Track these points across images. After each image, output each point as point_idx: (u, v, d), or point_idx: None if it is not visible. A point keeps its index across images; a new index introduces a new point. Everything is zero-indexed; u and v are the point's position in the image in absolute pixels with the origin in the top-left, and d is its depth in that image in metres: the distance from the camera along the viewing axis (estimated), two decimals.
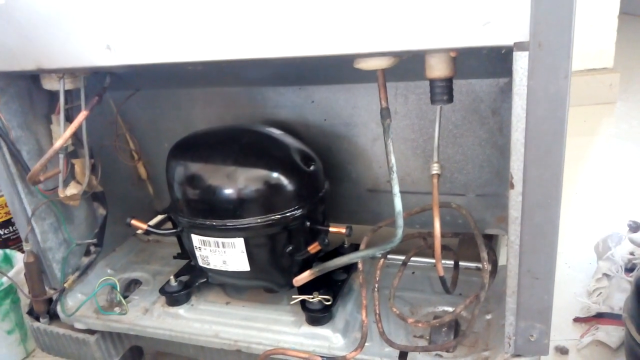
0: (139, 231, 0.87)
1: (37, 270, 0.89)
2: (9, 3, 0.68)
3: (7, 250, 1.13)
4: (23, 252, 0.89)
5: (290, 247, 0.80)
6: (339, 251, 0.92)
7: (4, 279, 0.97)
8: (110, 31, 0.65)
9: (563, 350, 0.93)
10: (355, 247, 0.92)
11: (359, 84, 0.89)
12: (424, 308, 0.83)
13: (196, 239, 0.81)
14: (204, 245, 0.80)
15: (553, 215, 0.57)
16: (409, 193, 0.91)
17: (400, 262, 0.80)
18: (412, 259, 0.82)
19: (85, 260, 0.95)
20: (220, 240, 0.79)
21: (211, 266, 0.82)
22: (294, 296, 0.81)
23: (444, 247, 0.68)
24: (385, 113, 0.65)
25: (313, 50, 0.58)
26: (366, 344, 0.73)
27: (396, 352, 0.73)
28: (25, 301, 0.99)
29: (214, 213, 0.77)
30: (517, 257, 0.61)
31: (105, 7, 0.64)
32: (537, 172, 0.56)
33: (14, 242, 1.28)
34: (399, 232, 0.67)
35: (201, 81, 0.99)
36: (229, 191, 0.76)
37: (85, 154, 0.86)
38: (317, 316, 0.79)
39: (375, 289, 0.74)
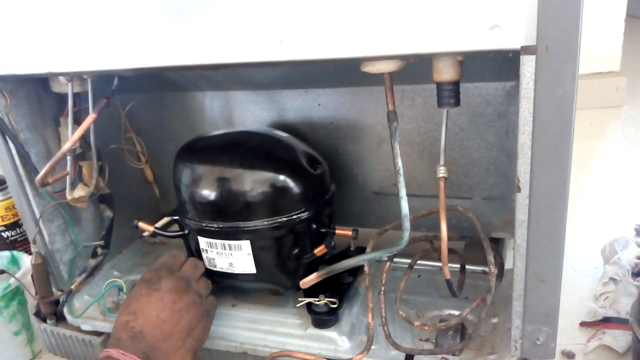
0: (146, 233, 0.87)
1: (44, 272, 0.89)
2: (20, 6, 0.69)
3: (15, 252, 1.13)
4: (30, 253, 0.89)
5: (297, 250, 0.81)
6: (344, 254, 0.92)
7: (11, 280, 0.98)
8: (120, 35, 0.65)
9: (569, 355, 0.92)
10: (361, 250, 0.92)
11: (365, 87, 0.89)
12: (430, 311, 0.83)
13: (203, 242, 0.81)
14: (211, 247, 0.81)
15: (560, 218, 0.57)
16: (415, 196, 0.91)
17: (407, 266, 0.80)
18: (418, 262, 0.82)
19: (92, 262, 0.96)
20: (226, 242, 0.79)
21: (217, 268, 0.82)
22: (300, 299, 0.81)
23: (450, 251, 0.68)
24: (392, 116, 0.65)
25: (321, 53, 0.58)
26: (372, 346, 0.73)
27: (402, 355, 0.73)
28: (32, 303, 0.99)
29: (220, 215, 0.78)
30: (524, 261, 0.61)
31: (112, 11, 0.64)
32: (544, 175, 0.56)
33: (21, 243, 1.28)
34: (406, 235, 0.67)
35: (207, 84, 0.99)
36: (235, 194, 0.76)
37: (93, 156, 0.87)
38: (323, 319, 0.79)
39: (381, 292, 0.74)
